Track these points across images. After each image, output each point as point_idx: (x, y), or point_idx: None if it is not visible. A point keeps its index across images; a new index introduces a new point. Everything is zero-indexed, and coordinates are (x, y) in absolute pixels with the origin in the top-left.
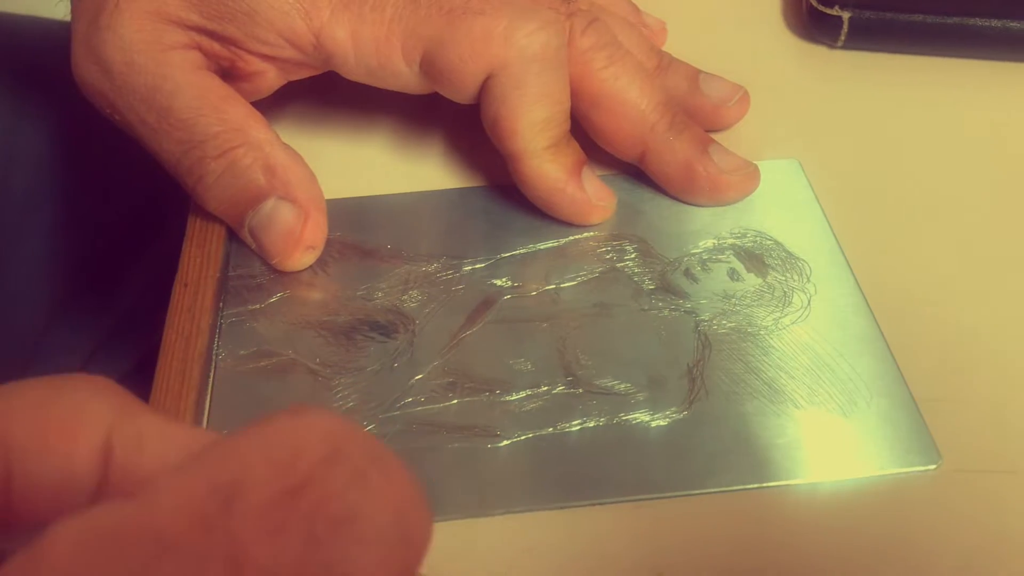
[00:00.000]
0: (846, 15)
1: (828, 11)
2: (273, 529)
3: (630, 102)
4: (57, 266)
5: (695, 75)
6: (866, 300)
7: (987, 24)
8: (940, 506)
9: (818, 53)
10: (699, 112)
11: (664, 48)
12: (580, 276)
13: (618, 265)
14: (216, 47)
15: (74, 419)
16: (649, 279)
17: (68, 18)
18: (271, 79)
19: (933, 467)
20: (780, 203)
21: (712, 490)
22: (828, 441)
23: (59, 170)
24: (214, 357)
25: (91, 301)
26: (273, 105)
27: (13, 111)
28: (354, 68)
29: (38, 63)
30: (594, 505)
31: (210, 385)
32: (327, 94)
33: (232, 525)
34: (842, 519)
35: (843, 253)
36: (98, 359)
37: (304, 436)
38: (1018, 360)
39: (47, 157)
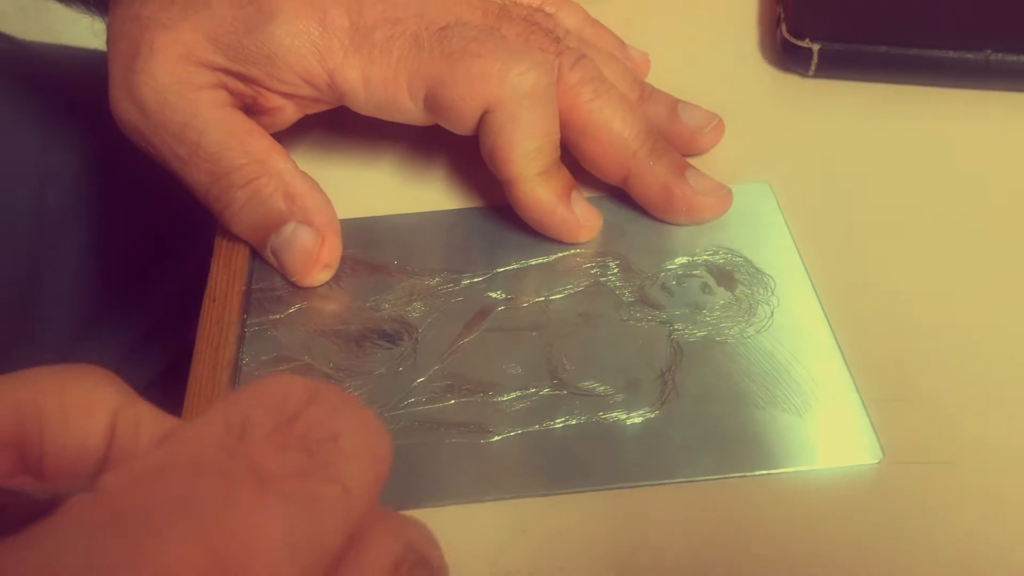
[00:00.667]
0: (816, 47)
1: (799, 43)
2: (279, 448)
3: (614, 131)
4: (90, 279)
5: (674, 104)
6: (824, 311)
7: (945, 55)
8: (882, 493)
9: (790, 82)
10: (677, 138)
11: (648, 78)
12: (567, 289)
13: (601, 279)
14: (240, 86)
15: (90, 400)
16: (629, 292)
17: (97, 46)
18: (289, 113)
19: (875, 462)
20: (751, 223)
21: (680, 480)
22: (784, 438)
23: (92, 190)
24: (239, 363)
25: (121, 312)
26: (292, 136)
27: (47, 134)
28: (364, 104)
29: (71, 90)
30: (576, 493)
31: (236, 388)
32: (340, 126)
33: (247, 448)
34: (796, 505)
35: (806, 269)
36: (128, 365)
37: (288, 387)
38: (955, 364)
39: (80, 177)
